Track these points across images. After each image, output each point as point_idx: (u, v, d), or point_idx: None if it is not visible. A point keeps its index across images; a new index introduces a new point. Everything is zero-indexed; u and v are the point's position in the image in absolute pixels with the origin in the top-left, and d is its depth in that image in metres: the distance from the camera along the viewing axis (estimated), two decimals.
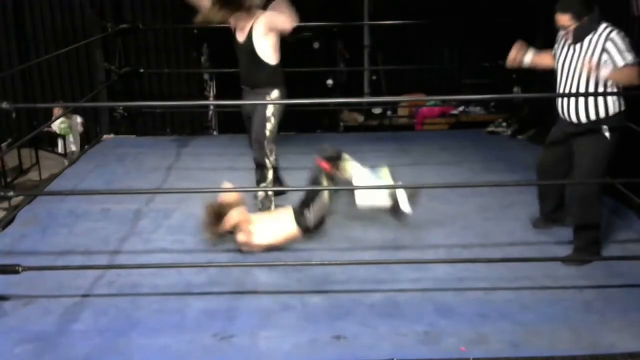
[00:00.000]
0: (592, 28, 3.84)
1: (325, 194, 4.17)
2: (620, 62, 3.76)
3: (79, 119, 7.78)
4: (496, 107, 8.15)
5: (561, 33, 4.00)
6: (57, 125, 7.55)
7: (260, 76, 4.43)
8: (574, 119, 3.97)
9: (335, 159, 4.38)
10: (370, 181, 4.36)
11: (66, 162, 6.81)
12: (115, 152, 6.54)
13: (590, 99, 3.88)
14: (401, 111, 8.51)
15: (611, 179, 5.12)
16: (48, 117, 7.08)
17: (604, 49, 3.79)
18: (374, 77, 8.47)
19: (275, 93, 4.47)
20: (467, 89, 7.88)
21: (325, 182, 4.28)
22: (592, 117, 3.91)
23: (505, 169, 5.74)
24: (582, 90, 3.91)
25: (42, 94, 8.51)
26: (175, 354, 3.23)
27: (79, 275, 3.89)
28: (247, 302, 3.67)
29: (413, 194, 4.36)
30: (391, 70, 8.21)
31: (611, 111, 3.89)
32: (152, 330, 3.41)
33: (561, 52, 4.03)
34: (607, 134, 3.91)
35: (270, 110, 4.44)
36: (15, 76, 8.30)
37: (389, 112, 8.46)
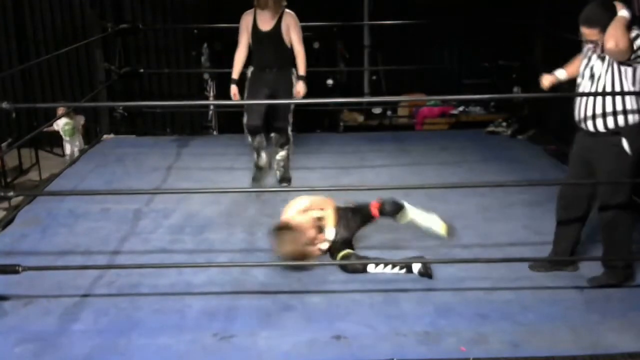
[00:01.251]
0: None
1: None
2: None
3: (81, 121, 7.76)
4: (496, 107, 8.15)
5: (588, 46, 3.65)
6: (60, 127, 7.55)
7: (284, 58, 5.23)
8: (590, 127, 3.64)
9: (393, 214, 4.31)
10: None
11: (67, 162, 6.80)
12: (115, 152, 6.54)
13: (609, 105, 3.57)
14: (401, 111, 8.50)
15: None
16: (48, 117, 7.07)
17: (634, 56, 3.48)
18: (374, 77, 8.46)
19: (294, 70, 5.27)
20: (467, 89, 7.87)
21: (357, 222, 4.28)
22: (610, 125, 3.58)
23: (505, 169, 5.75)
24: (604, 101, 3.59)
25: (42, 94, 8.50)
26: (175, 354, 3.23)
27: (79, 275, 3.89)
28: (247, 302, 3.67)
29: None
30: (391, 70, 8.20)
31: (631, 120, 3.56)
32: (152, 330, 3.41)
33: (588, 61, 3.68)
34: (627, 148, 3.58)
35: (295, 90, 5.26)
36: (15, 76, 8.29)
37: (389, 112, 8.45)
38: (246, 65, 5.38)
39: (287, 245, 3.93)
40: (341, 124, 8.11)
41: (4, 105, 3.47)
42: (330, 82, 8.01)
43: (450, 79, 8.28)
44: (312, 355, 3.21)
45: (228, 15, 7.73)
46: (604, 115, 3.59)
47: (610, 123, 3.59)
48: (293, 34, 5.17)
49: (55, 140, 7.70)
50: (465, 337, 3.30)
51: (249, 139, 5.39)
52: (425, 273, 3.90)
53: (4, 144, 7.09)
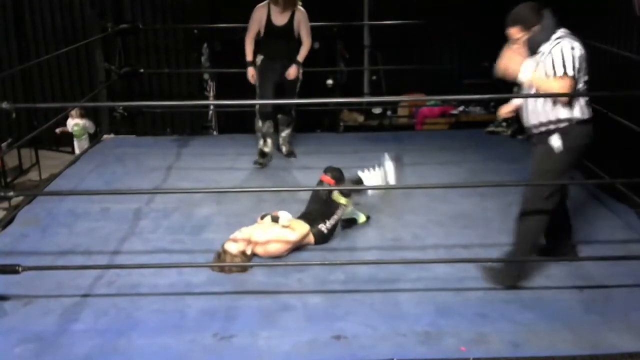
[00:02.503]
0: (544, 38, 3.59)
1: (340, 211, 4.39)
2: (552, 73, 3.51)
3: (91, 128, 7.78)
4: (496, 107, 8.13)
5: (513, 47, 3.71)
6: (70, 127, 7.59)
7: (294, 51, 5.71)
8: (527, 124, 3.73)
9: (338, 179, 4.53)
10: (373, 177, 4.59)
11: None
12: (115, 152, 6.54)
13: (540, 109, 3.60)
14: (401, 111, 8.51)
15: (611, 179, 5.15)
16: (48, 117, 7.07)
17: (551, 62, 3.52)
18: (374, 77, 8.46)
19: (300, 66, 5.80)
20: (467, 89, 7.87)
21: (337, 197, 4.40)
22: (542, 127, 3.62)
23: (505, 169, 5.74)
24: (534, 99, 3.63)
25: (42, 94, 8.50)
26: (175, 354, 3.23)
27: (79, 275, 3.89)
28: (247, 302, 3.66)
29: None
30: (391, 70, 8.20)
31: (562, 115, 3.57)
32: (152, 330, 3.41)
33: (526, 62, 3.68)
34: (554, 146, 3.59)
35: (301, 75, 5.81)
36: (15, 76, 8.30)
37: (389, 112, 8.45)
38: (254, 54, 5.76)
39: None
40: (341, 124, 8.12)
41: (4, 105, 3.47)
42: (330, 82, 8.01)
43: (450, 79, 8.28)
44: (312, 355, 3.21)
45: (228, 15, 7.77)
46: (536, 111, 3.64)
47: (543, 118, 3.63)
48: (303, 29, 5.64)
49: (69, 139, 7.75)
50: (465, 337, 3.30)
51: (259, 123, 5.83)
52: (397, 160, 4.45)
53: (4, 144, 7.10)
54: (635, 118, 5.06)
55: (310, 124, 7.70)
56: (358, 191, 4.51)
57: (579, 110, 3.61)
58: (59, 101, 8.42)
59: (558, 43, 3.55)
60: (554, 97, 3.56)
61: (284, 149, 6.12)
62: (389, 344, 3.26)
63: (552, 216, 3.77)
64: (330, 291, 3.78)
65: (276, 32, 5.62)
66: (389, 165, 4.45)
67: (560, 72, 3.48)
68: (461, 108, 8.29)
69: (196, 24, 8.01)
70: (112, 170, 5.98)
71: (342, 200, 4.35)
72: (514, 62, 3.65)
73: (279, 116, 6.01)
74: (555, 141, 3.59)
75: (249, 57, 5.72)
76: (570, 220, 4.07)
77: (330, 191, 4.36)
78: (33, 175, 7.48)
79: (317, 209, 4.38)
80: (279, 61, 5.70)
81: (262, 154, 5.92)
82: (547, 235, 4.00)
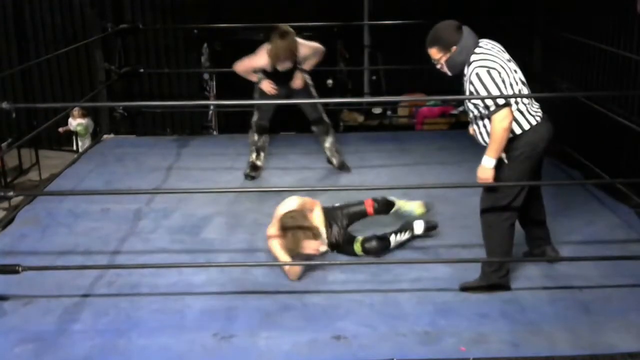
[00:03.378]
0: (463, 59, 3.52)
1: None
2: (483, 110, 3.50)
3: (91, 128, 7.79)
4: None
5: (438, 67, 3.69)
6: (73, 126, 7.60)
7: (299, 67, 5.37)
8: (482, 143, 3.69)
9: (386, 211, 4.47)
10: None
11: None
12: (115, 152, 6.54)
13: (481, 126, 3.61)
14: (401, 111, 8.50)
15: (611, 179, 5.15)
16: (48, 117, 7.07)
17: (469, 91, 3.50)
18: (374, 77, 8.46)
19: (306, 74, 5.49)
20: None
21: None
22: (484, 145, 3.62)
23: None
24: (474, 123, 3.66)
25: (42, 94, 8.50)
26: (175, 354, 3.23)
27: (79, 275, 3.89)
28: (247, 302, 3.67)
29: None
30: (391, 70, 8.20)
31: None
32: (152, 330, 3.41)
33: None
34: (503, 157, 3.57)
35: (310, 79, 5.49)
36: (15, 76, 8.29)
37: (389, 112, 8.45)
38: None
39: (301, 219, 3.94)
40: (341, 124, 8.11)
41: (4, 105, 3.47)
42: (330, 82, 8.00)
43: (450, 79, 8.27)
44: (312, 355, 3.21)
45: (228, 15, 7.77)
46: (481, 133, 3.64)
47: (486, 138, 3.60)
48: (311, 58, 5.32)
49: (72, 138, 7.75)
50: (465, 337, 3.30)
51: (255, 137, 5.56)
52: (430, 227, 4.32)
53: (4, 144, 7.09)
54: (635, 118, 5.07)
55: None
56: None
57: (517, 126, 3.54)
58: (59, 101, 8.41)
59: (474, 70, 3.46)
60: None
61: (334, 160, 5.73)
62: (389, 344, 3.26)
63: (527, 219, 3.88)
64: (330, 291, 3.78)
65: (281, 74, 5.27)
66: (419, 225, 4.32)
67: (492, 107, 3.43)
68: (461, 108, 8.27)
69: (196, 24, 8.00)
70: (112, 170, 5.98)
71: (359, 250, 4.16)
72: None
73: (314, 128, 5.68)
74: (484, 159, 3.59)
75: (254, 78, 5.35)
76: (545, 222, 4.02)
77: (351, 236, 4.24)
78: (33, 175, 7.47)
79: (340, 229, 4.25)
80: (284, 84, 5.35)
81: (254, 167, 5.64)
82: (527, 241, 4.05)
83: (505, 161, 3.59)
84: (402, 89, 8.03)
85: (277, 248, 3.94)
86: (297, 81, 5.33)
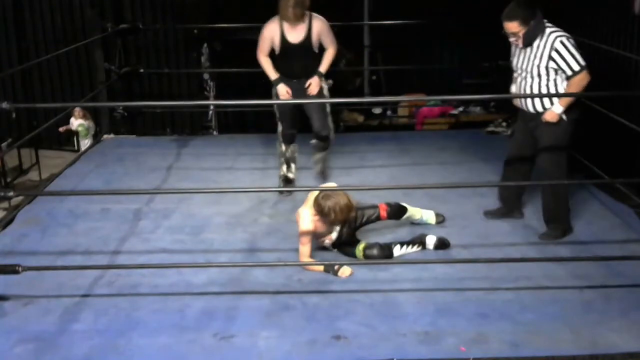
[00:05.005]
0: (539, 32, 4.11)
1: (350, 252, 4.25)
2: (568, 71, 4.07)
3: (92, 130, 7.79)
4: (496, 107, 8.14)
5: (511, 40, 4.21)
6: (75, 127, 7.61)
7: (314, 66, 5.00)
8: (531, 110, 4.26)
9: (398, 216, 4.48)
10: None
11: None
12: (115, 152, 6.54)
13: (544, 91, 4.19)
14: (401, 111, 8.50)
15: (611, 179, 5.15)
16: (48, 117, 7.07)
17: (550, 58, 4.08)
18: (374, 77, 8.45)
19: (323, 79, 5.08)
20: (467, 89, 7.86)
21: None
22: (548, 105, 4.19)
23: None
24: (534, 86, 4.20)
25: (42, 94, 8.49)
26: (175, 354, 3.23)
27: (79, 275, 3.90)
28: (247, 302, 3.67)
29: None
30: (391, 70, 8.19)
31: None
32: (152, 330, 3.41)
33: (515, 54, 4.32)
34: (564, 117, 4.17)
35: (326, 91, 5.11)
36: (15, 76, 8.29)
37: (389, 112, 8.44)
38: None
39: (342, 198, 3.95)
40: (341, 124, 8.11)
41: (4, 105, 3.47)
42: (330, 81, 8.00)
43: (450, 79, 8.27)
44: (312, 355, 3.21)
45: (228, 15, 7.76)
46: (542, 99, 4.20)
47: (548, 104, 4.19)
48: (326, 40, 4.94)
49: (67, 138, 7.75)
50: (465, 337, 3.30)
51: (282, 147, 5.21)
52: (442, 244, 4.22)
53: (4, 144, 7.09)
54: (635, 118, 5.06)
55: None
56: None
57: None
58: (59, 101, 8.41)
59: (557, 37, 4.08)
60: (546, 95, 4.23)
61: (317, 167, 5.35)
62: (389, 344, 3.26)
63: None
64: (330, 291, 3.78)
65: (293, 49, 4.87)
66: (431, 240, 4.29)
67: (576, 67, 4.06)
68: (461, 108, 8.28)
69: (196, 24, 7.99)
70: (112, 170, 5.99)
71: (360, 255, 4.15)
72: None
73: (314, 142, 5.20)
74: (554, 106, 4.17)
75: (272, 74, 4.98)
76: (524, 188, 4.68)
77: (356, 238, 4.25)
78: (33, 175, 7.46)
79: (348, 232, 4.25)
80: (297, 80, 5.00)
81: (287, 180, 5.27)
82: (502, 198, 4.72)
83: (565, 119, 4.18)
84: (402, 89, 8.03)
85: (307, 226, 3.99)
86: (314, 87, 4.97)
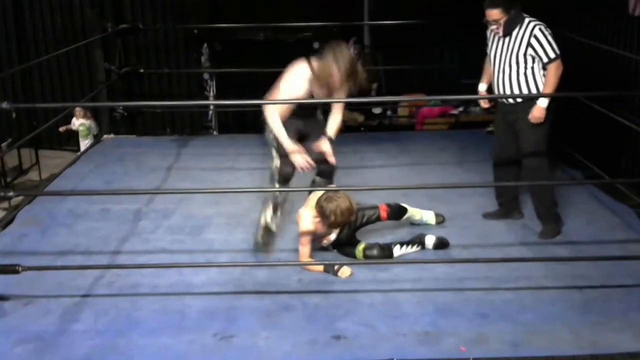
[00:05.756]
0: (519, 21, 4.24)
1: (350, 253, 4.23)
2: (544, 58, 4.19)
3: (94, 130, 7.80)
4: (496, 107, 8.13)
5: (492, 27, 4.32)
6: (76, 126, 7.61)
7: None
8: (511, 101, 4.36)
9: (398, 217, 4.49)
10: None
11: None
12: (115, 152, 6.54)
13: (522, 83, 4.29)
14: (401, 111, 8.49)
15: (611, 179, 5.15)
16: (48, 117, 7.07)
17: (529, 44, 4.20)
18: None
19: (318, 112, 4.47)
20: (467, 89, 7.86)
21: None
22: (523, 88, 4.31)
23: None
24: (512, 75, 4.31)
25: (42, 94, 8.49)
26: (175, 354, 3.23)
27: (79, 275, 3.90)
28: (247, 302, 3.67)
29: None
30: (391, 70, 8.19)
31: (542, 89, 4.28)
32: (152, 330, 3.41)
33: (493, 44, 4.42)
34: (541, 106, 4.23)
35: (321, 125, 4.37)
36: (15, 76, 8.29)
37: (389, 112, 8.44)
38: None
39: (344, 201, 3.94)
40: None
41: (4, 105, 3.47)
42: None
43: (450, 79, 8.27)
44: (312, 355, 3.21)
45: (228, 15, 7.76)
46: (520, 89, 4.31)
47: (525, 93, 4.32)
48: (337, 104, 4.26)
49: (68, 138, 7.75)
50: (465, 337, 3.30)
51: (276, 186, 4.27)
52: (442, 244, 4.23)
53: (4, 144, 7.09)
54: (635, 118, 5.07)
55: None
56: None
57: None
58: (59, 101, 8.41)
59: (536, 25, 4.20)
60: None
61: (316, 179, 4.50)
62: (389, 344, 3.26)
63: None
64: (330, 291, 3.78)
65: (304, 111, 4.26)
66: (430, 240, 4.28)
67: (552, 54, 4.18)
68: (461, 108, 8.27)
69: (196, 24, 7.99)
70: (112, 170, 5.99)
71: (360, 255, 4.13)
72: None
73: (317, 178, 4.43)
74: (540, 101, 4.23)
75: (284, 132, 4.10)
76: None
77: (356, 238, 4.25)
78: (33, 175, 7.47)
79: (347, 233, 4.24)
80: (297, 118, 4.26)
81: (268, 232, 4.28)
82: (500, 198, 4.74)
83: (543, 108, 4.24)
84: (402, 89, 8.03)
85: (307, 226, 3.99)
86: (324, 146, 4.24)
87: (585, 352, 3.18)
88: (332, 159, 4.27)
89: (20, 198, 5.47)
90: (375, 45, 8.40)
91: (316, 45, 7.83)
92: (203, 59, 8.00)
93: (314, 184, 4.44)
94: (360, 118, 8.32)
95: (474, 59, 7.97)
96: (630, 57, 5.28)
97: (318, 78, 4.06)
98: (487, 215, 4.76)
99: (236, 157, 6.25)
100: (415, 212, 4.57)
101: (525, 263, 3.97)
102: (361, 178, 5.61)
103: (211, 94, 7.95)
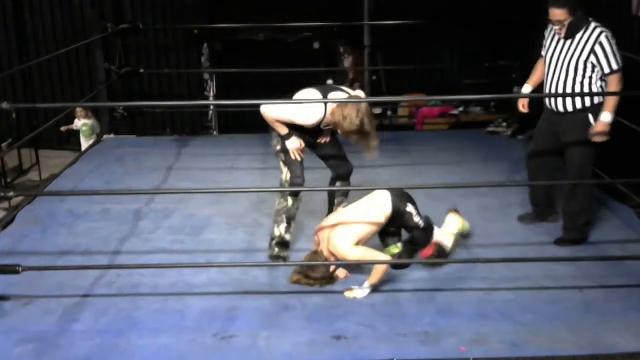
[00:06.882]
0: (583, 24, 4.04)
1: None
2: (605, 68, 4.01)
3: (97, 129, 7.81)
4: (496, 107, 8.15)
5: (554, 27, 4.11)
6: (79, 127, 7.61)
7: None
8: (560, 108, 4.17)
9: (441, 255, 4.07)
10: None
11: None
12: (115, 152, 6.54)
13: (577, 89, 4.09)
14: (401, 111, 8.51)
15: (611, 179, 5.15)
16: (48, 117, 7.08)
17: (592, 51, 4.01)
18: (374, 77, 8.46)
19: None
20: (467, 89, 7.87)
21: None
22: (578, 106, 4.11)
23: (505, 169, 5.74)
24: (568, 82, 4.10)
25: (42, 94, 8.51)
26: (175, 354, 3.23)
27: (79, 275, 3.89)
28: (247, 302, 3.66)
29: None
30: (391, 70, 8.20)
31: (595, 100, 4.08)
32: (152, 330, 3.41)
33: (551, 45, 4.19)
34: (591, 120, 4.08)
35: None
36: (15, 76, 8.30)
37: (389, 112, 8.45)
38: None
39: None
40: None
41: (4, 105, 3.47)
42: (330, 81, 8.02)
43: (450, 79, 8.28)
44: (312, 355, 3.21)
45: (228, 15, 7.77)
46: (573, 97, 4.11)
47: (578, 104, 4.11)
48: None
49: (68, 137, 7.76)
50: (465, 337, 3.30)
51: (289, 202, 4.13)
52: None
53: (4, 144, 7.10)
54: (635, 118, 5.06)
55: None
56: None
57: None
58: (59, 101, 8.42)
59: (602, 32, 4.01)
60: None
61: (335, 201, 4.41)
62: (389, 344, 3.26)
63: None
64: (330, 291, 3.78)
65: (320, 129, 4.17)
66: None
67: (615, 65, 4.01)
68: (461, 108, 8.29)
69: (196, 24, 8.01)
70: (112, 170, 5.99)
71: (395, 250, 4.03)
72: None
73: (338, 184, 4.32)
74: (591, 119, 4.09)
75: (283, 131, 4.06)
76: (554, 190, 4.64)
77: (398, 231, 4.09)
78: (33, 175, 7.48)
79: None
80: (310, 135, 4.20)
81: (283, 244, 4.16)
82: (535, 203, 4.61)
83: (591, 121, 4.09)
84: (402, 89, 8.04)
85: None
86: (327, 137, 4.27)
87: (585, 352, 3.18)
88: (326, 136, 4.22)
89: (20, 198, 5.47)
90: (375, 45, 8.41)
91: (316, 45, 7.85)
92: (203, 59, 8.02)
93: (333, 183, 4.36)
94: None
95: (474, 59, 8.04)
96: (631, 57, 5.27)
97: (336, 122, 3.90)
98: (522, 219, 4.66)
99: (236, 157, 6.24)
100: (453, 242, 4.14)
101: (525, 263, 3.97)
102: (361, 178, 5.60)
103: (211, 94, 7.96)
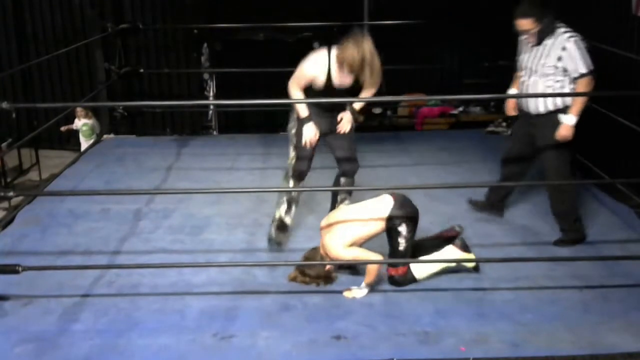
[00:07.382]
0: (550, 31, 4.12)
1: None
2: (573, 72, 4.07)
3: (97, 129, 7.80)
4: (496, 107, 8.14)
5: (523, 37, 4.23)
6: (79, 127, 7.61)
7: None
8: (532, 111, 4.25)
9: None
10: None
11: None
12: (115, 152, 6.54)
13: (549, 87, 4.16)
14: (401, 111, 8.50)
15: (611, 179, 5.15)
16: (48, 117, 7.08)
17: (559, 56, 4.08)
18: None
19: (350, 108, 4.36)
20: (467, 89, 7.87)
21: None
22: (550, 107, 4.19)
23: None
24: (539, 86, 4.19)
25: (42, 94, 8.50)
26: (175, 354, 3.23)
27: (79, 275, 3.89)
28: (247, 302, 3.67)
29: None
30: (391, 70, 8.19)
31: (568, 102, 4.14)
32: (152, 330, 3.41)
33: (525, 52, 4.30)
34: (564, 120, 4.15)
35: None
36: (15, 76, 8.30)
37: (389, 112, 8.45)
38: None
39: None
40: None
41: (4, 105, 3.47)
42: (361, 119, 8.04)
43: (450, 79, 8.27)
44: (312, 355, 3.21)
45: (228, 15, 7.77)
46: (545, 100, 4.19)
47: (550, 106, 4.18)
48: (369, 82, 4.20)
49: (69, 138, 7.76)
50: (465, 337, 3.30)
51: (291, 184, 4.29)
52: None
53: (4, 144, 7.10)
54: (635, 118, 5.06)
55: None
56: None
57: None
58: (59, 101, 8.42)
59: (570, 37, 4.08)
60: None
61: (338, 198, 4.49)
62: (389, 344, 3.26)
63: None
64: (330, 291, 3.78)
65: (335, 90, 4.15)
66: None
67: (583, 69, 4.05)
68: (461, 108, 8.28)
69: (196, 24, 8.00)
70: (112, 170, 5.99)
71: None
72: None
73: (343, 180, 4.39)
74: (563, 117, 4.15)
75: (303, 113, 4.16)
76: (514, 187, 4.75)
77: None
78: (33, 175, 7.48)
79: None
80: (328, 114, 4.29)
81: (282, 227, 4.31)
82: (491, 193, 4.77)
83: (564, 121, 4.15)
84: (402, 89, 8.03)
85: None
86: (346, 125, 4.28)
87: (585, 352, 3.18)
88: (346, 126, 4.28)
89: (20, 198, 5.47)
90: (375, 45, 8.39)
91: (316, 45, 7.82)
92: (203, 59, 8.01)
93: (338, 182, 4.42)
94: (361, 118, 8.32)
95: (474, 59, 8.03)
96: (631, 57, 5.28)
97: (338, 59, 4.10)
98: (472, 203, 4.85)
99: (236, 157, 6.24)
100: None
101: (525, 263, 3.97)
102: (361, 178, 5.60)
103: (211, 94, 7.95)
